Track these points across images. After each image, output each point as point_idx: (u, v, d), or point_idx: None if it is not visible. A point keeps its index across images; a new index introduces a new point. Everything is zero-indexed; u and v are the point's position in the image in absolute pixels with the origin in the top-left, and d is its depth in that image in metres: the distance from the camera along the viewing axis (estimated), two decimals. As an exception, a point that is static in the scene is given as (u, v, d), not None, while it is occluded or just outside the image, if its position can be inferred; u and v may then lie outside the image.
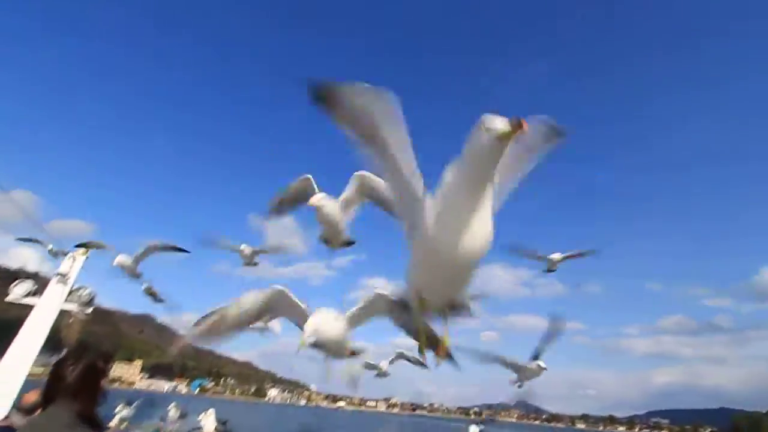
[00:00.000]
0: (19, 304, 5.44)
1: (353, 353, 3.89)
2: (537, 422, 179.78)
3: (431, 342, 2.65)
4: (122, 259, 7.28)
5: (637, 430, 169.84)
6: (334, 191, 4.04)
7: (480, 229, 1.75)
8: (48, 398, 1.75)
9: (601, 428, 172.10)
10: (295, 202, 5.10)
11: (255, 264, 7.94)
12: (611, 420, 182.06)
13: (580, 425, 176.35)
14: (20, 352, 5.16)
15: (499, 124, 1.48)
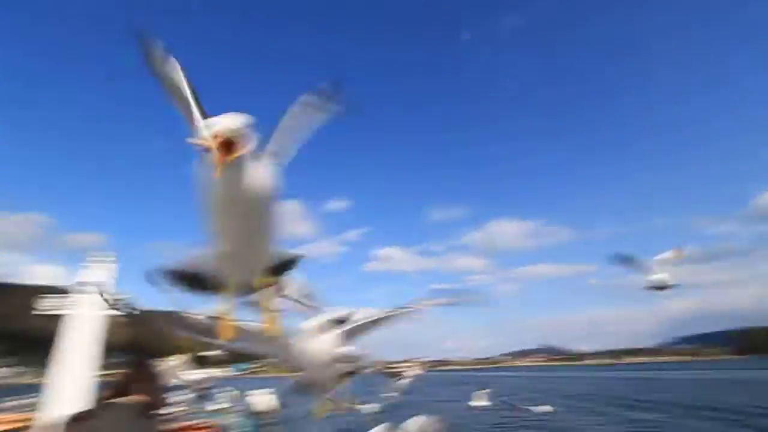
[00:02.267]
0: (60, 316, 5.66)
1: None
2: (560, 363, 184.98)
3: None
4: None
5: (646, 359, 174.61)
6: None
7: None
8: (116, 395, 1.96)
9: (613, 361, 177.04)
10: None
11: None
12: (626, 352, 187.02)
13: (589, 361, 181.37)
14: (81, 357, 5.47)
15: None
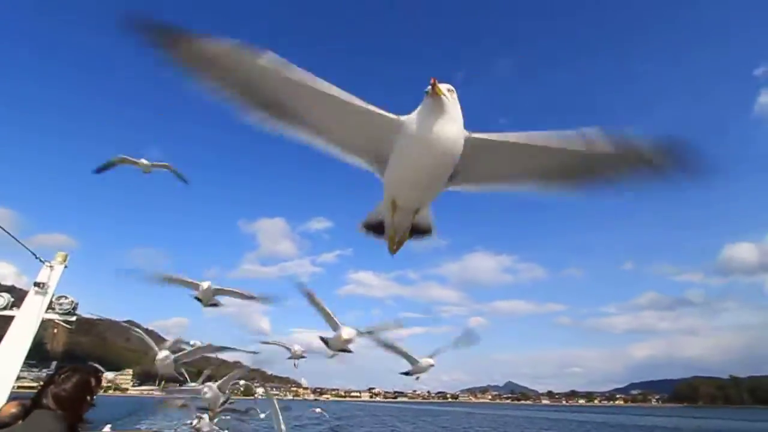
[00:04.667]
0: (7, 317, 5.20)
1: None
2: (508, 401, 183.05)
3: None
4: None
5: (596, 401, 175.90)
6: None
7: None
8: (36, 404, 1.73)
9: (563, 403, 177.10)
10: None
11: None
12: (573, 394, 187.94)
13: (545, 401, 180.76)
14: (3, 364, 4.95)
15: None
